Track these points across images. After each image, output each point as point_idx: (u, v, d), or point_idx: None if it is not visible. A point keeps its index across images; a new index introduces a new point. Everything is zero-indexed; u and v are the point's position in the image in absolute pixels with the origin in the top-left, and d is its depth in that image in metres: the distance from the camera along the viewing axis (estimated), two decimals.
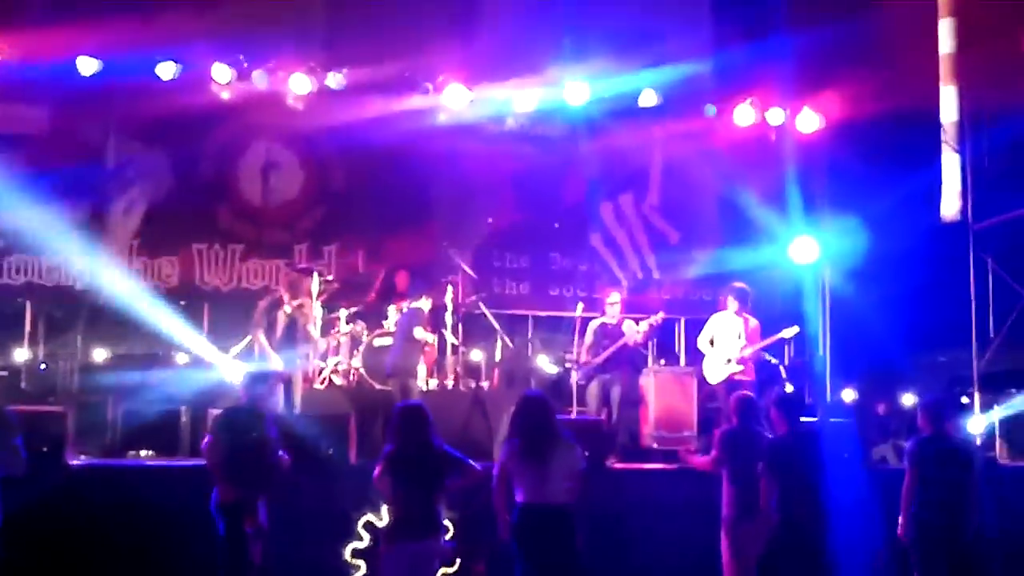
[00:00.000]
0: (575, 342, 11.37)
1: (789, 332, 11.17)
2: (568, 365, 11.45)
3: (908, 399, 13.01)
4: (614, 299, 11.36)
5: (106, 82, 12.18)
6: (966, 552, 7.70)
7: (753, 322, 11.16)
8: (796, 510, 7.42)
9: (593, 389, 11.08)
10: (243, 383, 8.10)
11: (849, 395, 13.04)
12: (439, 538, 7.21)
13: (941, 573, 7.76)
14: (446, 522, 8.44)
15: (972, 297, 12.35)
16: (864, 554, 8.26)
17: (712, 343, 11.16)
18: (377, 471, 7.23)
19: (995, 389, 11.90)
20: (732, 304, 11.20)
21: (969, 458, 7.82)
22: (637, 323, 11.24)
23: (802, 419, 7.97)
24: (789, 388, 10.90)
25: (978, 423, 11.55)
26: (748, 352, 10.95)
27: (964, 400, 12.12)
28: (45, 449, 8.94)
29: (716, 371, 11.08)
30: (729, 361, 10.93)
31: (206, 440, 7.84)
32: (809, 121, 13.43)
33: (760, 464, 7.74)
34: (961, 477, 7.68)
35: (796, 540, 7.41)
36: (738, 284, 11.35)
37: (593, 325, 11.36)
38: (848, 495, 7.79)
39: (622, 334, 11.14)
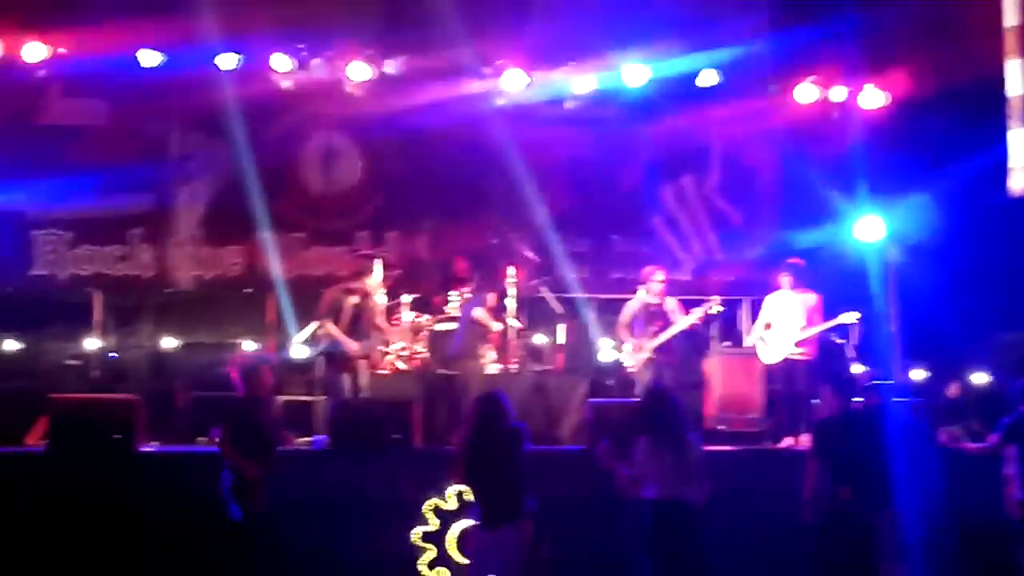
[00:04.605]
0: (640, 326, 11.22)
1: (849, 317, 10.85)
2: (632, 349, 11.33)
3: (978, 378, 12.82)
4: (660, 277, 11.16)
5: (167, 74, 12.31)
6: None
7: (812, 297, 10.96)
8: (846, 493, 7.32)
9: (645, 374, 10.96)
10: (236, 374, 7.92)
11: (918, 375, 12.88)
12: (522, 525, 7.26)
13: None
14: None
15: None
16: (928, 536, 8.17)
17: (769, 327, 11.02)
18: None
19: None
20: (786, 281, 11.04)
21: None
22: (689, 310, 11.12)
23: (856, 400, 7.86)
24: (857, 368, 10.76)
25: None
26: (808, 334, 10.79)
27: None
28: (116, 436, 9.12)
29: (773, 351, 10.93)
30: (788, 343, 10.80)
31: (215, 432, 7.91)
32: (872, 98, 13.22)
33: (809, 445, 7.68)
34: None
35: (847, 522, 7.33)
36: (791, 260, 11.20)
37: (635, 304, 11.19)
38: (913, 477, 7.71)
39: (666, 313, 11.04)
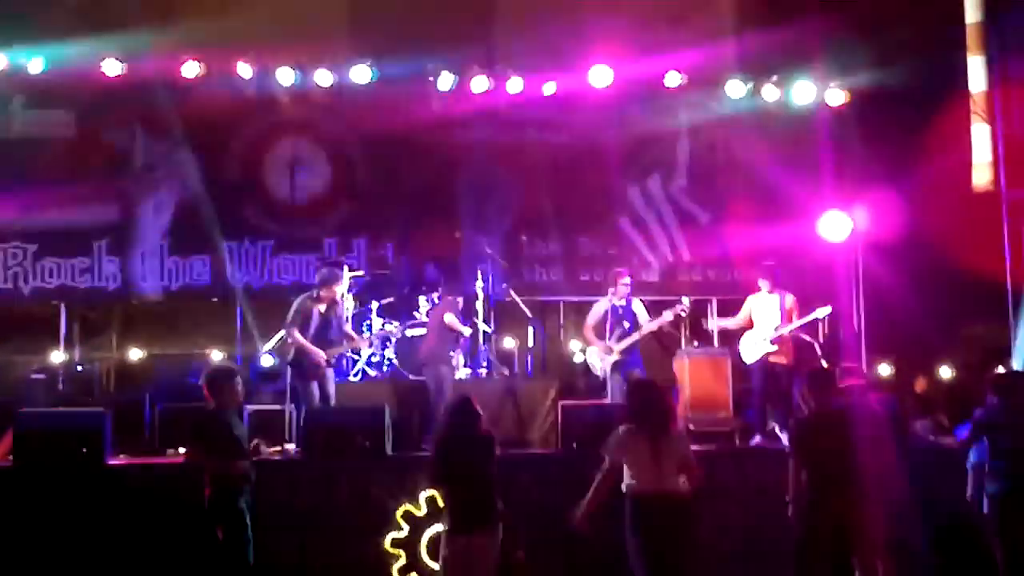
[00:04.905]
0: (608, 328, 11.24)
1: (822, 312, 11.08)
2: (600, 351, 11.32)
3: (945, 372, 12.93)
4: (626, 280, 11.12)
5: (131, 83, 12.24)
6: None
7: (790, 298, 11.09)
8: (827, 490, 7.33)
9: (615, 375, 10.92)
10: (205, 384, 7.80)
11: (885, 370, 12.96)
12: (493, 529, 7.25)
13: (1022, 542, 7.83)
14: None
15: (1007, 267, 12.23)
16: (904, 530, 8.21)
17: (751, 326, 11.12)
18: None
19: None
20: (764, 284, 11.17)
21: None
22: (661, 311, 11.15)
23: (830, 397, 7.88)
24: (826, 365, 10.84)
25: None
26: (784, 332, 10.89)
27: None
28: (84, 450, 9.04)
29: (751, 350, 11.04)
30: (764, 341, 10.90)
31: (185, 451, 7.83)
32: (837, 96, 13.31)
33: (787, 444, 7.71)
34: None
35: (828, 521, 7.33)
36: (768, 263, 11.31)
37: (602, 306, 11.16)
38: (889, 472, 7.75)
39: (633, 314, 11.07)
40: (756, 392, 11.06)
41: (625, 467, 7.09)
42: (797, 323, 10.98)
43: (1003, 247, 12.29)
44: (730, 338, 11.96)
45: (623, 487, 7.11)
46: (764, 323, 11.03)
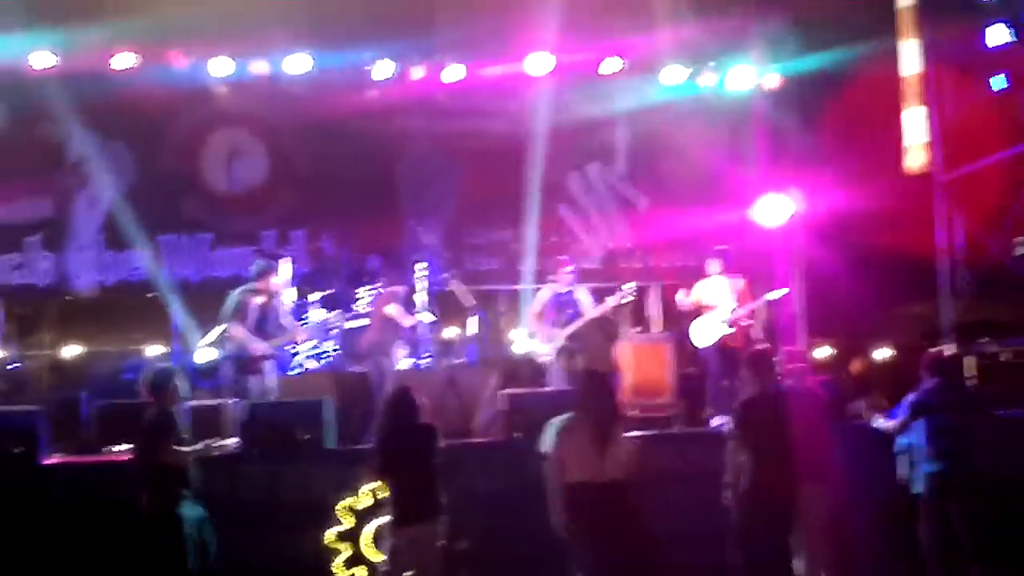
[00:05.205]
0: (551, 316, 11.22)
1: (776, 294, 11.13)
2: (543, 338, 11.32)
3: (882, 353, 13.07)
4: (569, 268, 11.18)
5: (62, 76, 12.05)
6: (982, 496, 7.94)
7: (740, 281, 11.10)
8: (767, 472, 7.37)
9: (561, 362, 10.96)
10: (147, 386, 7.75)
11: (824, 352, 13.07)
12: (437, 519, 7.26)
13: (955, 522, 7.94)
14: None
15: (941, 249, 12.38)
16: (843, 510, 8.29)
17: (700, 308, 11.12)
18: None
19: (968, 339, 11.97)
20: (714, 267, 11.17)
21: (977, 405, 8.30)
22: (604, 297, 11.16)
23: (771, 379, 7.93)
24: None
25: None
26: (741, 313, 10.91)
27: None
28: (18, 450, 8.89)
29: (705, 334, 11.05)
30: (722, 324, 10.91)
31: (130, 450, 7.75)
32: (773, 81, 13.40)
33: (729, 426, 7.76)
34: (971, 424, 8.02)
35: (768, 503, 7.38)
36: (719, 247, 11.33)
37: (545, 294, 11.20)
38: (825, 453, 7.82)
39: (576, 302, 11.10)
40: (713, 375, 11.03)
41: (565, 456, 7.05)
42: (753, 304, 11.02)
43: (937, 228, 12.46)
44: (671, 324, 12.00)
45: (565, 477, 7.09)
46: (717, 307, 11.06)
